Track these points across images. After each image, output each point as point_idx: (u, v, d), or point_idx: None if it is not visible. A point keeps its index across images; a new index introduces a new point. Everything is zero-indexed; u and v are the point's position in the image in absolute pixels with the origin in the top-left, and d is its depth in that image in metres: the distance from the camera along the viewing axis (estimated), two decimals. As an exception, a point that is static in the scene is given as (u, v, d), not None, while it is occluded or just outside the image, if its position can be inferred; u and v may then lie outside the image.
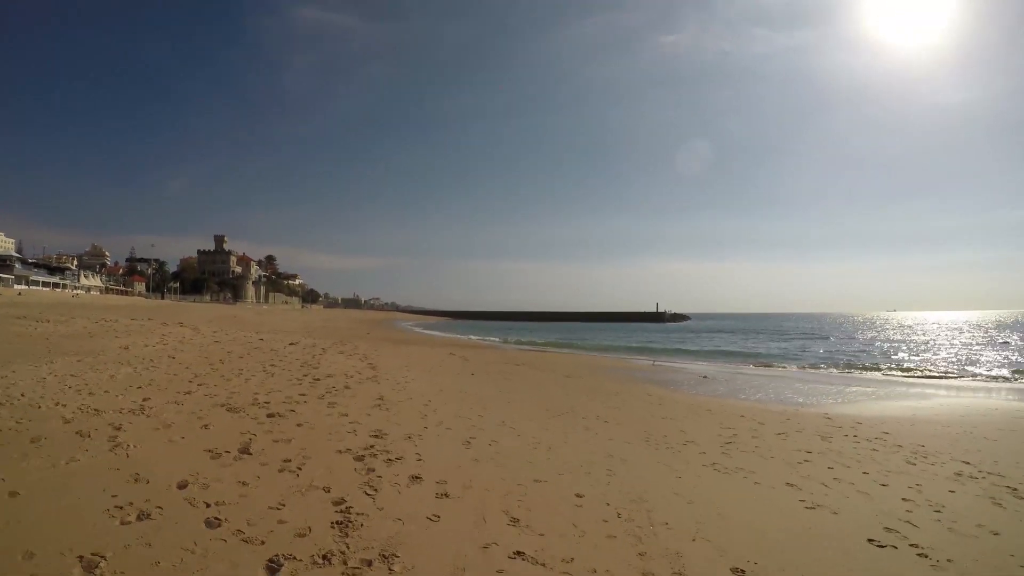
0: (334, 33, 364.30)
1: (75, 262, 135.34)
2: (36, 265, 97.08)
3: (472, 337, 52.47)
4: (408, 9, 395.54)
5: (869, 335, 64.47)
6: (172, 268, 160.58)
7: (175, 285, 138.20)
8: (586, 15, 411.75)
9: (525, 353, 30.92)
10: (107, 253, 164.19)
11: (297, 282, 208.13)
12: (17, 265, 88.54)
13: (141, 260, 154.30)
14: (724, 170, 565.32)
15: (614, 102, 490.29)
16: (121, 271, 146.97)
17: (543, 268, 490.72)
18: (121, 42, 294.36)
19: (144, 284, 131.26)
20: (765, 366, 29.31)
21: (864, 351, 40.96)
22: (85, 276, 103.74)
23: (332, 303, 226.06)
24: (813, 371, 27.28)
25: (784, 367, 28.61)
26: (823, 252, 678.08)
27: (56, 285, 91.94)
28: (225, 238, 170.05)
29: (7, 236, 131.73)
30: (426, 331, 63.77)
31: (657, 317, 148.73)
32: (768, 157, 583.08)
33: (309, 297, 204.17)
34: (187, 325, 24.87)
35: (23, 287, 79.85)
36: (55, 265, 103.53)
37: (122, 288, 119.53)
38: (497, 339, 49.62)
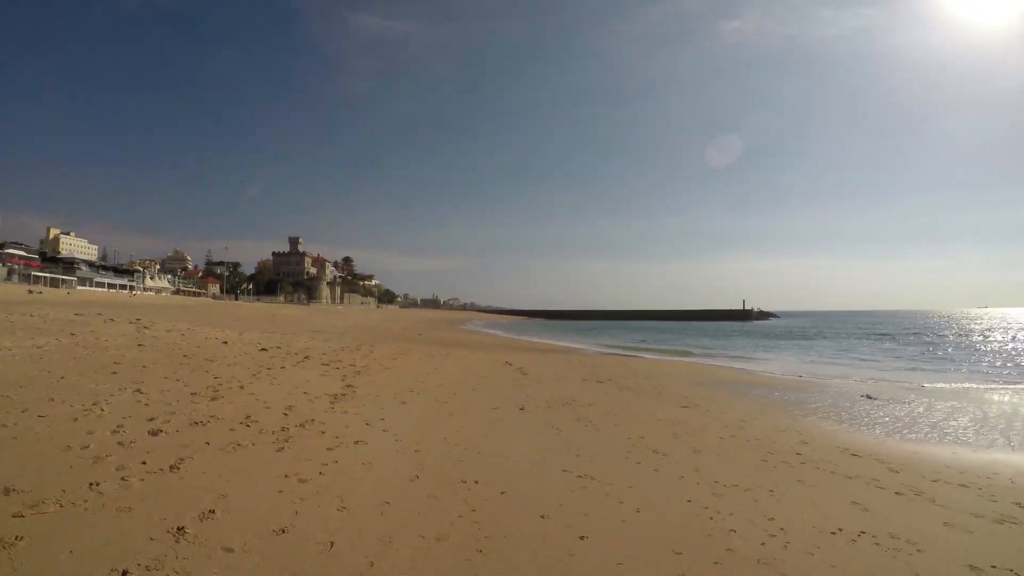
0: (393, 38, 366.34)
1: (157, 266, 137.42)
2: (104, 268, 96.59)
3: (544, 340, 44.70)
4: (464, 10, 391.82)
5: (998, 336, 53.00)
6: (251, 271, 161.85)
7: (248, 287, 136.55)
8: (646, 4, 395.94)
9: (608, 360, 23.04)
10: (188, 257, 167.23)
11: (373, 283, 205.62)
12: (83, 268, 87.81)
13: (218, 263, 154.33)
14: (800, 160, 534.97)
15: (680, 92, 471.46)
16: (200, 274, 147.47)
17: (620, 266, 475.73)
18: (195, 56, 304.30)
19: (218, 286, 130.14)
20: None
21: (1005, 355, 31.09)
22: (151, 278, 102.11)
23: (411, 303, 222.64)
24: (984, 384, 18.78)
25: (948, 384, 19.63)
26: (905, 247, 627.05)
27: (124, 287, 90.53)
28: (300, 240, 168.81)
29: (90, 243, 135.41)
30: (495, 331, 56.47)
31: (743, 315, 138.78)
32: (842, 145, 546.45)
33: (385, 297, 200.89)
34: (148, 324, 18.23)
35: (85, 288, 78.66)
36: (123, 268, 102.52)
37: (194, 290, 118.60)
38: (574, 341, 41.68)
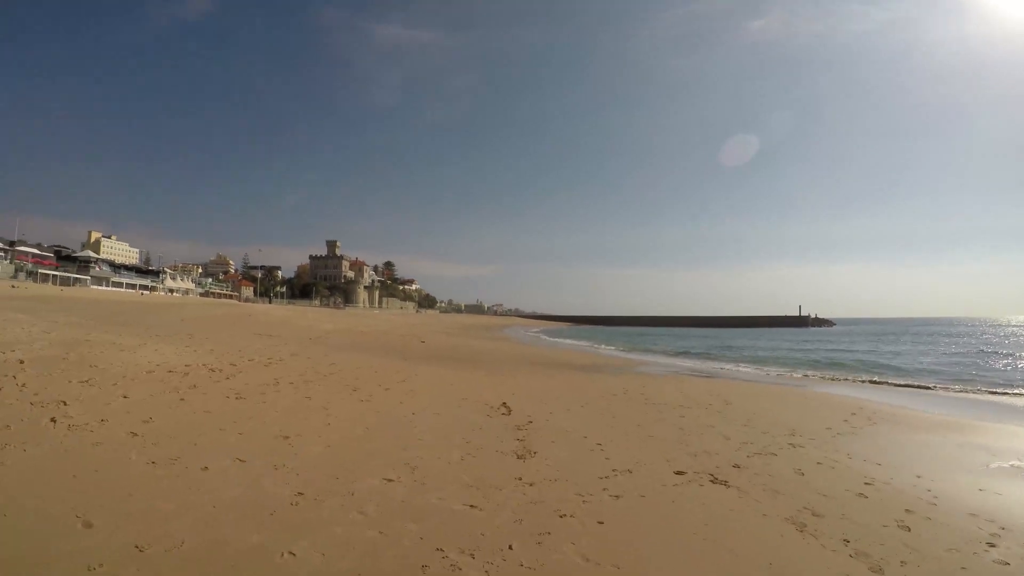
0: (416, 48, 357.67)
1: (199, 269, 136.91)
2: (127, 268, 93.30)
3: (587, 348, 35.79)
4: (485, 18, 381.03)
5: None
6: (290, 275, 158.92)
7: (281, 289, 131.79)
8: (668, 5, 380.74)
9: (694, 386, 13.91)
10: (231, 262, 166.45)
11: (414, 287, 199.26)
12: (101, 267, 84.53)
13: (255, 267, 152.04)
14: (835, 161, 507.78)
15: (708, 95, 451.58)
16: (240, 277, 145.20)
17: (658, 273, 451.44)
18: (228, 73, 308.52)
19: (252, 289, 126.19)
20: None
21: None
22: (173, 279, 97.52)
23: (454, 309, 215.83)
24: None
25: None
26: (948, 252, 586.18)
27: (145, 287, 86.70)
28: (337, 243, 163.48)
29: (131, 247, 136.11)
30: (536, 337, 47.69)
31: (800, 321, 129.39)
32: (873, 147, 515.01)
33: (426, 302, 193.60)
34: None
35: (100, 287, 76.37)
36: (148, 269, 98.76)
37: (227, 292, 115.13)
38: (627, 350, 32.72)
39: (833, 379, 19.24)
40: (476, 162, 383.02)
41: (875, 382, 18.60)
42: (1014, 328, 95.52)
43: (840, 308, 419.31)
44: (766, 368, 23.16)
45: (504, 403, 8.84)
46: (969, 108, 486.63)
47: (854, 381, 18.67)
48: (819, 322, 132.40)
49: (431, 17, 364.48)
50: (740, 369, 22.26)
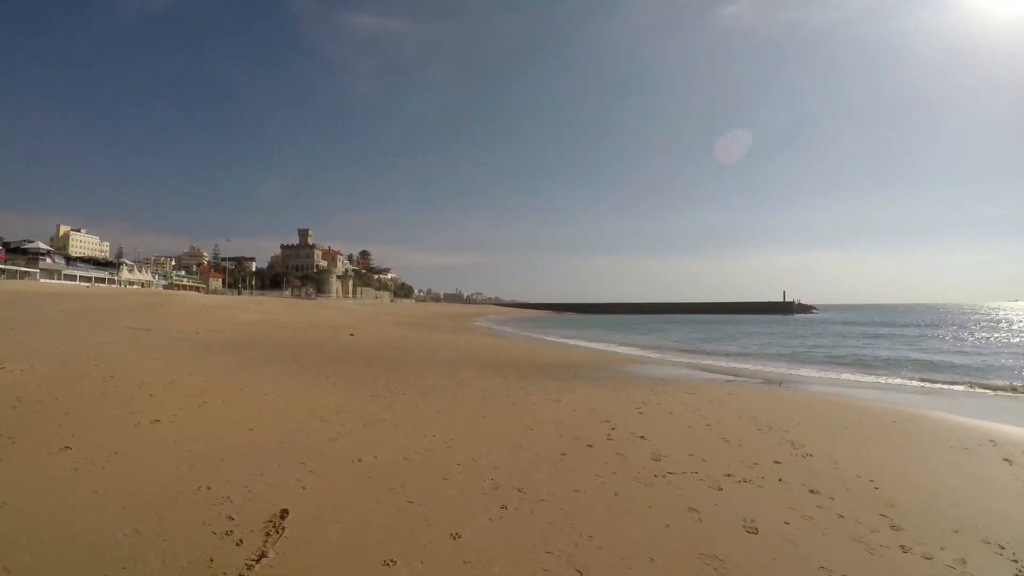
0: (391, 37, 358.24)
1: (172, 262, 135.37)
2: (83, 261, 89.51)
3: (573, 339, 31.66)
4: (459, 8, 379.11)
5: None
6: (264, 266, 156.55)
7: (251, 280, 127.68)
8: None
9: (717, 405, 9.94)
10: (204, 254, 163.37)
11: (389, 276, 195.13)
12: (53, 260, 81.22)
13: (225, 259, 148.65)
14: (812, 151, 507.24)
15: (683, 85, 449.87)
16: (211, 269, 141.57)
17: (638, 262, 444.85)
18: (201, 64, 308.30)
19: (220, 280, 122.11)
20: None
21: None
22: (130, 271, 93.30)
23: (432, 298, 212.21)
24: None
25: None
26: (923, 241, 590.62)
27: (100, 280, 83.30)
28: (309, 232, 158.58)
29: (103, 240, 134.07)
30: (503, 328, 43.16)
31: (785, 308, 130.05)
32: (854, 135, 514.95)
33: (402, 291, 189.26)
34: None
35: (51, 280, 72.82)
36: (104, 262, 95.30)
37: (193, 284, 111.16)
38: (628, 342, 29.36)
39: (892, 384, 15.36)
40: (456, 151, 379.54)
41: (944, 383, 14.86)
42: (1005, 314, 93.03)
43: (818, 295, 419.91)
44: (790, 365, 19.09)
45: (281, 513, 3.90)
46: (946, 98, 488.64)
47: (914, 383, 14.84)
48: (802, 308, 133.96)
49: (402, 5, 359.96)
50: (764, 368, 18.08)
